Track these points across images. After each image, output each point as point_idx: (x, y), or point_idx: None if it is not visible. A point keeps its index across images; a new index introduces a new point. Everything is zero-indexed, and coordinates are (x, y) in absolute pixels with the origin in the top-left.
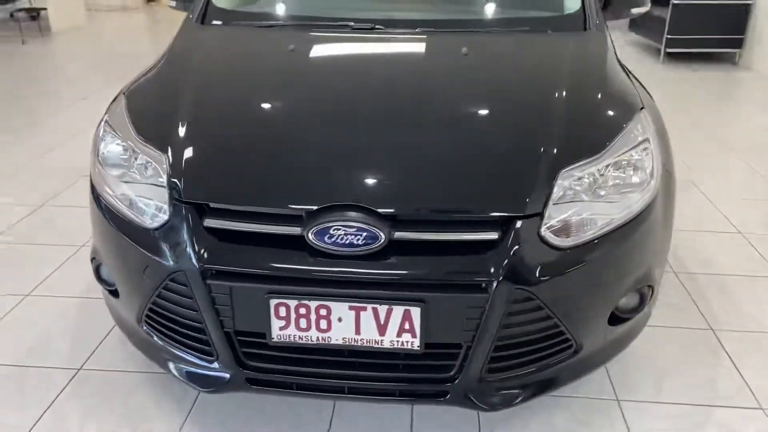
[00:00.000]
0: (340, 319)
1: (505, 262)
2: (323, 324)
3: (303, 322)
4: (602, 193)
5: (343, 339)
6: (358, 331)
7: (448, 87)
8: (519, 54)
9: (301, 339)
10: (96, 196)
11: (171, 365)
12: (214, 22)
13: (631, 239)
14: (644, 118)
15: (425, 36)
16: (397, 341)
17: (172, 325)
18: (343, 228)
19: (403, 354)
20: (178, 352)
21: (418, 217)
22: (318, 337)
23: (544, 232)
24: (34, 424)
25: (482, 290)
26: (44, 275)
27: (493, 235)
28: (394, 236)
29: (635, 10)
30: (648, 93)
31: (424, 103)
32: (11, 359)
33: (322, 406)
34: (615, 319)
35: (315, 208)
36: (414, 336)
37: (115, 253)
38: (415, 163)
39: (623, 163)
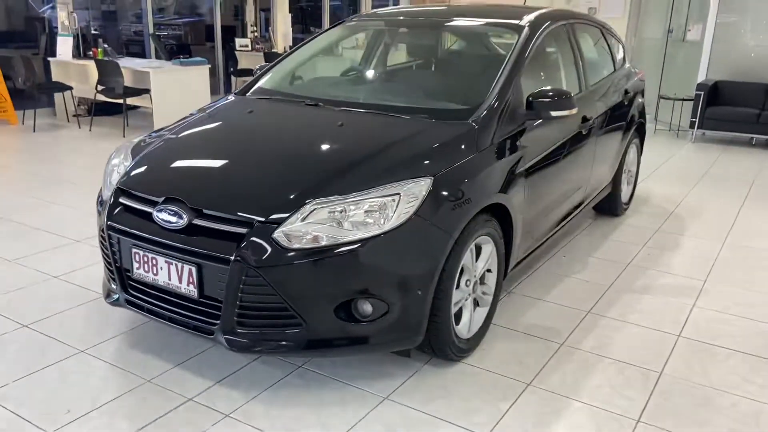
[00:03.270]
0: (161, 268)
1: (242, 247)
2: (154, 270)
3: (146, 267)
4: (344, 224)
5: (164, 282)
6: (170, 278)
7: (294, 138)
8: (374, 130)
9: (146, 278)
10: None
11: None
12: (244, 95)
13: (347, 258)
14: (417, 186)
15: (339, 111)
16: (187, 289)
17: (105, 261)
18: (168, 211)
19: (190, 298)
20: (108, 281)
21: (209, 211)
22: (152, 279)
23: (277, 234)
24: None
25: (226, 263)
26: None
27: (243, 230)
28: (194, 221)
29: (555, 113)
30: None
31: (268, 147)
32: None
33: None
34: (350, 317)
35: (161, 199)
36: (195, 287)
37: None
38: (224, 180)
39: (368, 206)
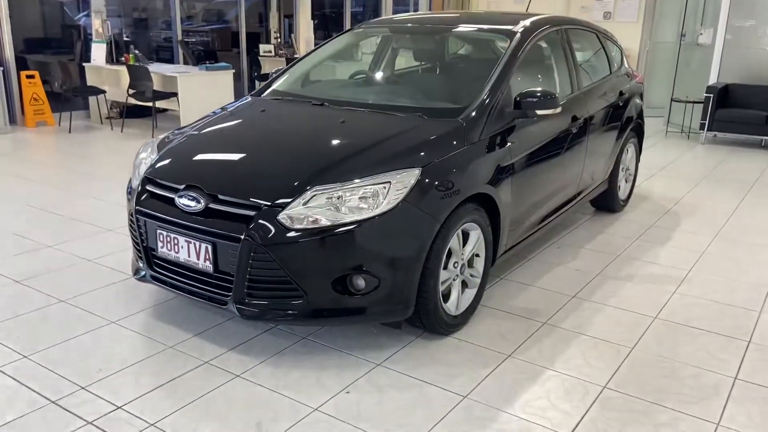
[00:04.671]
0: (182, 247)
1: (251, 228)
2: (176, 248)
3: (168, 246)
4: (342, 208)
5: (184, 259)
6: (189, 255)
7: (299, 134)
8: (372, 126)
9: (169, 256)
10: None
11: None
12: (259, 96)
13: (342, 238)
14: (406, 175)
15: (342, 110)
16: (204, 265)
17: (134, 242)
18: (188, 197)
19: (207, 273)
20: (136, 260)
21: (223, 196)
22: (174, 256)
23: (281, 217)
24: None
25: (237, 242)
26: None
27: (252, 213)
28: (210, 205)
29: (540, 111)
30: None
31: (276, 141)
32: None
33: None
34: (345, 290)
35: (182, 186)
36: (211, 263)
37: None
38: (236, 169)
39: (362, 192)
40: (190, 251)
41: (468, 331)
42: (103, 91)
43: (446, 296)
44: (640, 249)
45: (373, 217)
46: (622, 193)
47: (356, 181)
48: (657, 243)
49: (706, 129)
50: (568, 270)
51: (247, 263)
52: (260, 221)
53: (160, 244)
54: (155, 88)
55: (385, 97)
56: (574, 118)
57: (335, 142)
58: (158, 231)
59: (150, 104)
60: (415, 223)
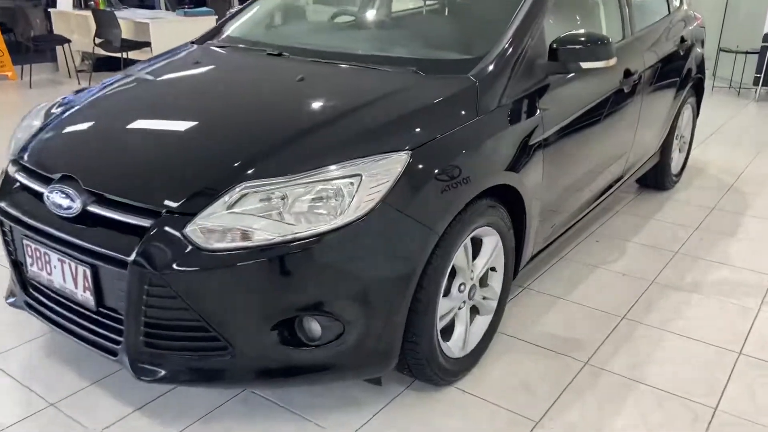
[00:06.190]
0: (55, 267)
1: (143, 245)
2: (48, 268)
3: (39, 263)
4: (286, 215)
5: (59, 284)
6: (64, 280)
7: (234, 100)
8: (342, 87)
9: (41, 278)
10: None
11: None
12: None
13: (287, 262)
14: (386, 163)
15: (307, 63)
16: (83, 296)
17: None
18: (60, 192)
19: (87, 308)
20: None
21: (106, 194)
22: (47, 279)
23: (190, 229)
24: None
25: (124, 266)
26: None
27: (146, 222)
28: (89, 207)
29: (587, 64)
30: None
31: (200, 111)
32: None
33: None
34: (295, 339)
35: (57, 176)
36: (91, 294)
37: None
38: (131, 156)
39: (318, 191)
40: (65, 274)
41: (478, 378)
42: (68, 41)
43: (448, 330)
44: (702, 243)
45: (336, 229)
46: (675, 167)
47: (309, 173)
48: (723, 234)
49: (760, 84)
50: (611, 275)
51: (141, 299)
52: (157, 235)
53: (29, 260)
54: (125, 36)
55: (368, 45)
56: (627, 73)
57: (283, 111)
58: (24, 241)
59: (119, 55)
60: (399, 236)
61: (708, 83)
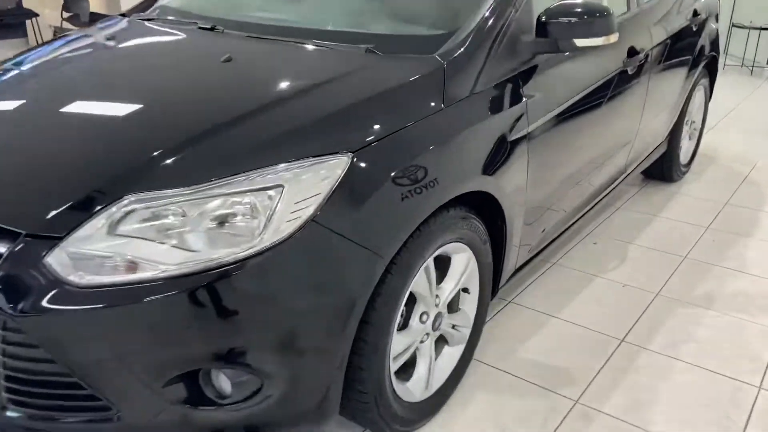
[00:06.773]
0: None
1: None
2: None
3: None
4: (187, 238)
5: None
6: None
7: (137, 89)
8: (272, 70)
9: None
10: None
11: None
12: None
13: (187, 299)
14: (320, 169)
15: (243, 39)
16: None
17: None
18: None
19: None
20: None
21: None
22: None
23: (52, 258)
24: None
25: None
26: None
27: (0, 248)
28: None
29: (582, 41)
30: None
31: (87, 101)
32: None
33: None
34: (199, 397)
35: None
36: None
37: None
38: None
39: (227, 206)
40: None
41: (445, 425)
42: (36, 15)
43: (408, 367)
44: (715, 245)
45: (248, 258)
46: (684, 156)
47: (215, 183)
48: (738, 234)
49: None
50: (610, 286)
51: None
52: (13, 265)
53: None
54: (94, 9)
55: (318, 18)
56: (632, 52)
57: (193, 104)
58: None
59: None
60: (334, 264)
61: (719, 61)
